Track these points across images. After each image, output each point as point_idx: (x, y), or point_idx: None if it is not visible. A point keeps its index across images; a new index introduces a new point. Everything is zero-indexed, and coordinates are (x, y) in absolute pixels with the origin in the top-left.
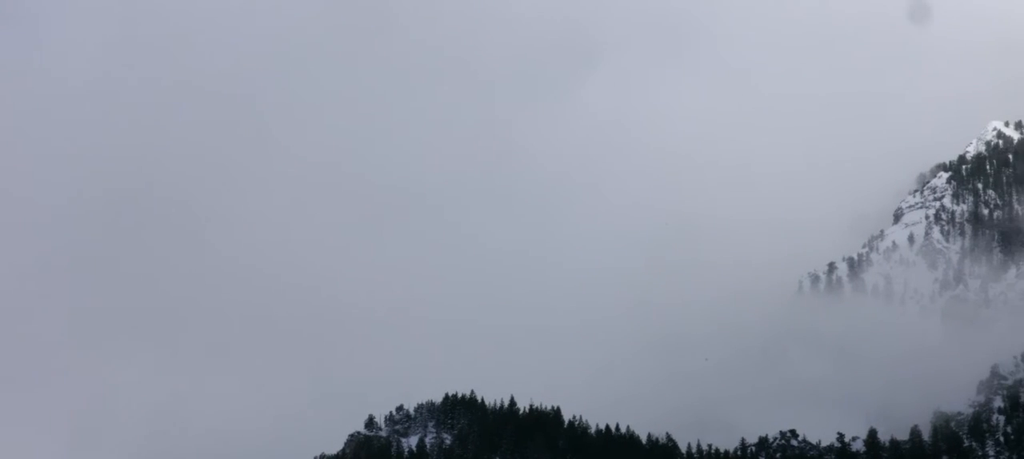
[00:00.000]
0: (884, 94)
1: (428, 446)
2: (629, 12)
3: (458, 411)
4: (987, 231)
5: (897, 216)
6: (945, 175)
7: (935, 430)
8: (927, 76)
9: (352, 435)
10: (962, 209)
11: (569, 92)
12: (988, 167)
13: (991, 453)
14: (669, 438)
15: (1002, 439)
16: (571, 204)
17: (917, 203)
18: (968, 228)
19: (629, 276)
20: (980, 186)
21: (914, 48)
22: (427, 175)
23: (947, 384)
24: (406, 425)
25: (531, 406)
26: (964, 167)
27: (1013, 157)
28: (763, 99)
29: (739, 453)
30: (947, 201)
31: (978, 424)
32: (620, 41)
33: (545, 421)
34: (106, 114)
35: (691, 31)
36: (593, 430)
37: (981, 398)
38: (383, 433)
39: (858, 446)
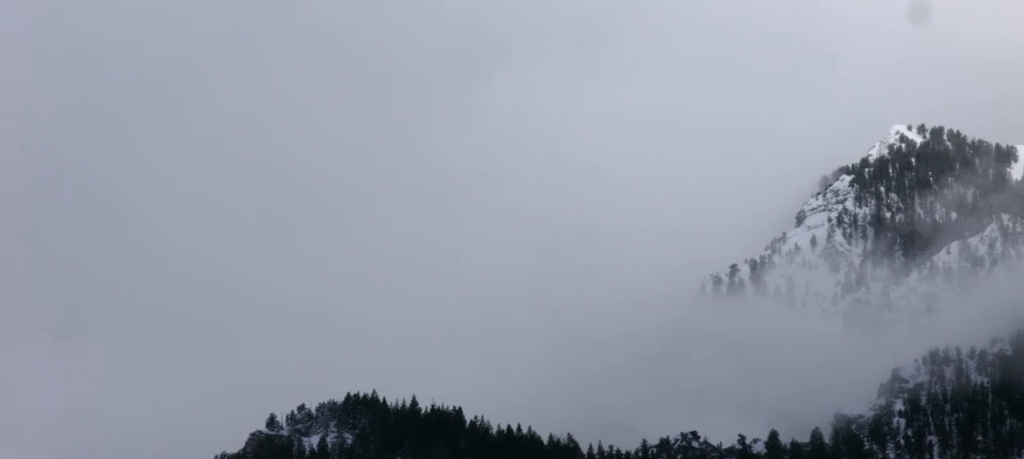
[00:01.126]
0: (788, 97)
1: (329, 446)
2: (538, 12)
3: (360, 411)
4: (889, 234)
5: (800, 219)
6: (848, 178)
7: (836, 432)
8: (831, 79)
9: (253, 434)
10: (864, 212)
11: (476, 90)
12: (891, 170)
13: (892, 456)
14: (570, 439)
15: (902, 442)
16: (475, 203)
17: (819, 206)
18: (870, 231)
19: (532, 277)
20: (882, 189)
21: (818, 52)
22: (333, 171)
23: (848, 387)
24: (308, 424)
25: (433, 406)
26: (867, 170)
27: (916, 160)
28: (669, 101)
29: (640, 454)
30: (849, 204)
31: (879, 427)
32: (528, 41)
33: (447, 421)
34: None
35: (599, 33)
36: (494, 431)
37: (882, 401)
38: (284, 432)
39: (759, 448)
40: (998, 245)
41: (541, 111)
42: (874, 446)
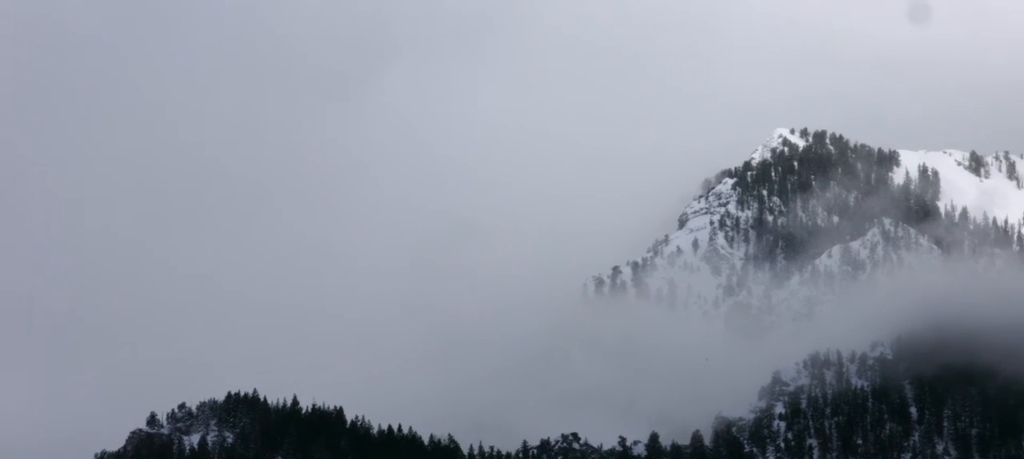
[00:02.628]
0: (671, 100)
1: (210, 445)
2: (430, 10)
3: (240, 410)
4: (771, 237)
5: (682, 221)
6: (730, 181)
7: (716, 435)
8: (714, 83)
9: (134, 432)
10: (747, 215)
11: (366, 88)
12: (773, 174)
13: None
14: (451, 440)
15: (783, 445)
16: (360, 202)
17: (701, 209)
18: (752, 234)
19: (414, 277)
20: (764, 192)
21: (705, 55)
22: (220, 170)
23: (729, 390)
24: (188, 423)
25: (313, 406)
26: (749, 173)
27: (798, 164)
28: (553, 102)
29: (521, 455)
30: (731, 207)
31: (759, 430)
32: (419, 39)
33: (327, 421)
34: None
35: (488, 33)
36: (375, 431)
37: (762, 404)
38: (165, 431)
39: (640, 450)
40: (879, 249)
41: (429, 110)
42: (754, 449)
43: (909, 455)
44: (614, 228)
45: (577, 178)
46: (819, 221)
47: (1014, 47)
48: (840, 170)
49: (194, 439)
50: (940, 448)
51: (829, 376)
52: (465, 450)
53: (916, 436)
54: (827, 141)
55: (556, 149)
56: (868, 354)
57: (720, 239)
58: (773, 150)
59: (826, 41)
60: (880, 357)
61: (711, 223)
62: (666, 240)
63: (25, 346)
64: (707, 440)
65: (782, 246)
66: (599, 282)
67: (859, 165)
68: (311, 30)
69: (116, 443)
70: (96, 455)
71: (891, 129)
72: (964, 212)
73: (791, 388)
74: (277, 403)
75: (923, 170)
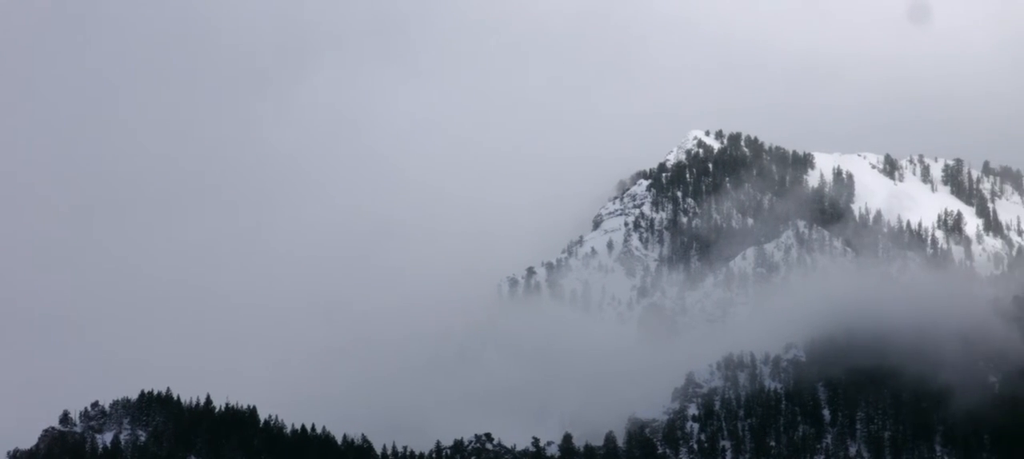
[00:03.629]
0: (587, 101)
1: (123, 443)
2: (356, 10)
3: (154, 408)
4: (685, 239)
5: (597, 222)
6: (645, 182)
7: (630, 436)
8: (632, 85)
9: (46, 430)
10: (661, 217)
11: (287, 88)
12: (688, 175)
13: None
14: (365, 440)
15: (696, 447)
16: (275, 202)
17: (617, 210)
18: (667, 236)
19: (329, 276)
20: (679, 194)
21: (621, 57)
22: (140, 167)
23: (643, 391)
24: (101, 421)
25: (227, 405)
26: (664, 175)
27: (713, 166)
28: (471, 102)
29: (434, 455)
30: (646, 208)
31: (672, 431)
32: (344, 39)
33: (241, 420)
34: None
35: (410, 33)
36: (288, 430)
37: (676, 405)
38: (78, 429)
39: (553, 451)
40: (793, 251)
41: (348, 110)
42: (667, 450)
43: (822, 457)
44: (529, 229)
45: (493, 178)
46: (733, 223)
47: (928, 51)
48: (754, 172)
49: (107, 437)
50: (853, 450)
51: (742, 378)
52: (378, 450)
53: (829, 438)
54: (742, 143)
55: (472, 149)
56: (782, 356)
57: (634, 240)
58: (688, 152)
59: (743, 44)
60: (793, 359)
61: (626, 224)
62: (581, 241)
63: None
64: (620, 441)
65: (696, 248)
66: (513, 283)
67: (773, 167)
68: (235, 28)
69: (29, 441)
70: (8, 453)
71: (806, 132)
72: (878, 215)
73: (704, 390)
74: (190, 402)
75: (837, 173)
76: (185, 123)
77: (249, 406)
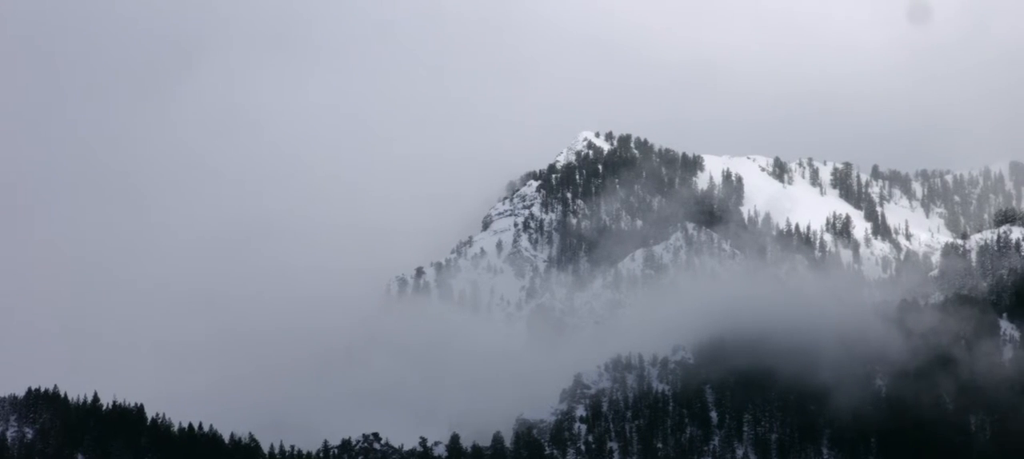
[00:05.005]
0: (479, 101)
1: (9, 440)
2: (239, 10)
3: (41, 406)
4: (574, 240)
5: (486, 223)
6: (535, 184)
7: (517, 437)
8: (524, 85)
9: None
10: (551, 218)
11: (173, 87)
12: (577, 177)
13: None
14: (252, 438)
15: (583, 448)
16: (164, 200)
17: (506, 211)
18: (556, 237)
19: (215, 276)
20: (569, 195)
21: (513, 59)
22: (18, 167)
23: (531, 392)
24: None
25: (114, 403)
26: (554, 176)
27: (603, 167)
28: (361, 101)
29: (322, 455)
30: (536, 210)
31: (560, 432)
32: (228, 38)
33: (128, 418)
34: None
35: (298, 32)
36: (176, 428)
37: (564, 406)
38: None
39: (440, 451)
40: (682, 253)
41: (239, 106)
42: (555, 451)
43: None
44: (418, 229)
45: (383, 179)
46: (622, 225)
47: (817, 56)
48: (643, 174)
49: None
50: (739, 452)
51: (630, 379)
52: (265, 449)
53: (716, 440)
54: (631, 145)
55: (362, 150)
56: (669, 358)
57: (524, 241)
58: (578, 153)
59: (634, 47)
60: (681, 361)
61: (515, 225)
62: (470, 242)
63: None
64: (508, 442)
65: (585, 249)
66: (403, 282)
67: (663, 169)
68: (126, 23)
69: None
70: None
71: (696, 134)
72: (766, 217)
73: (592, 391)
74: (78, 400)
75: (726, 175)
76: (70, 120)
77: (136, 404)
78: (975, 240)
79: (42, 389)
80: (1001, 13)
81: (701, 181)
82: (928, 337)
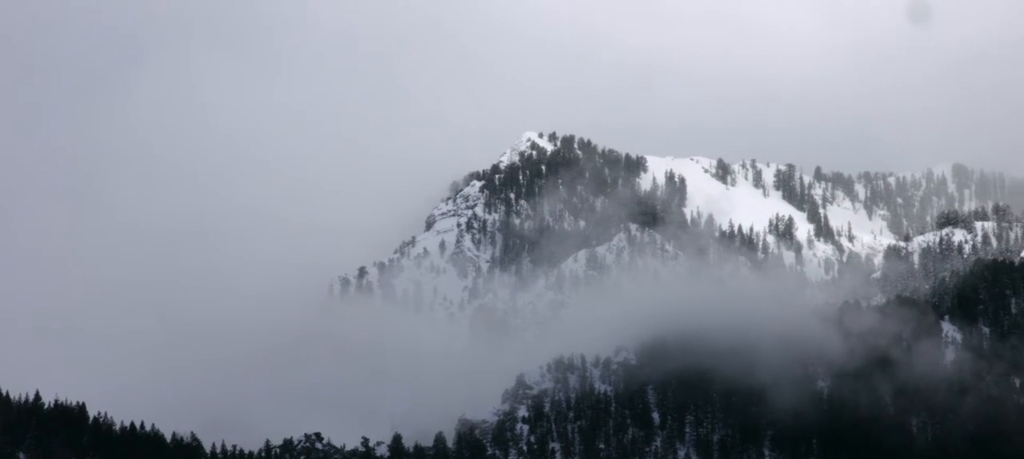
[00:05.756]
0: (422, 100)
1: None
2: (184, 8)
3: None
4: (518, 241)
5: (429, 223)
6: (478, 184)
7: (459, 437)
8: (468, 85)
9: None
10: (494, 218)
11: (114, 87)
12: (521, 177)
13: None
14: (194, 437)
15: (525, 448)
16: (104, 202)
17: (449, 211)
18: (499, 237)
19: (158, 274)
20: (512, 196)
21: (457, 59)
22: None
23: (473, 392)
24: None
25: (56, 402)
26: (497, 176)
27: (546, 168)
28: (304, 101)
29: (263, 454)
30: (479, 210)
31: (502, 432)
32: (183, 34)
33: (70, 417)
34: None
35: (241, 32)
36: (117, 427)
37: (506, 407)
38: None
39: (382, 451)
40: (625, 254)
41: (185, 104)
42: (497, 452)
43: None
44: (361, 229)
45: (326, 178)
46: (565, 225)
47: (761, 58)
48: (587, 175)
49: None
50: (681, 453)
51: (573, 380)
52: (207, 448)
53: (658, 441)
54: (575, 146)
55: (306, 148)
56: (612, 359)
57: (467, 241)
58: (521, 154)
59: (578, 48)
60: (624, 362)
61: (458, 225)
62: (413, 242)
63: None
64: (450, 442)
65: (528, 250)
66: (345, 282)
67: (606, 170)
68: (79, 23)
69: None
70: None
71: (639, 135)
72: (709, 219)
73: (535, 391)
74: (19, 398)
75: (669, 176)
76: (12, 126)
77: (78, 403)
78: (918, 242)
79: None
80: (944, 16)
81: (644, 182)
82: (868, 338)
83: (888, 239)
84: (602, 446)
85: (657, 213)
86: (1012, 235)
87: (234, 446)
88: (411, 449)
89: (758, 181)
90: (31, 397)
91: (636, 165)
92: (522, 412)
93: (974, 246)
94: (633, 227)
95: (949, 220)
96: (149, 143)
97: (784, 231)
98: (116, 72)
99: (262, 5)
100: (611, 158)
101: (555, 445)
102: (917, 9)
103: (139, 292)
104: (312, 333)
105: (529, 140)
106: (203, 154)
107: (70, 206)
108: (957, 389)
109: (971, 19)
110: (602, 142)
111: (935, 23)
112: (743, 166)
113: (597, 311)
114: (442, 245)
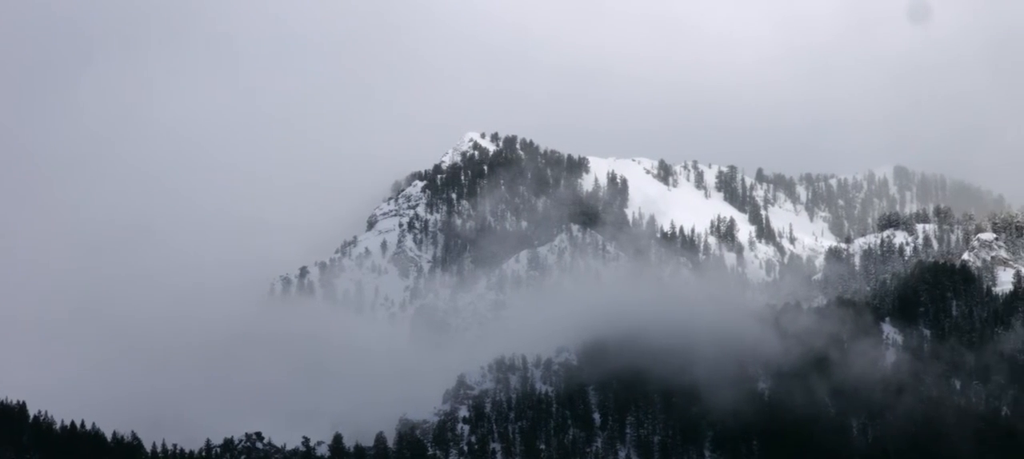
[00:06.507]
0: (364, 100)
1: None
2: (124, 11)
3: None
4: (459, 241)
5: (371, 223)
6: (420, 184)
7: (400, 437)
8: (410, 85)
9: None
10: (435, 218)
11: (55, 88)
12: (463, 177)
13: None
14: (134, 436)
15: (466, 448)
16: (44, 201)
17: (391, 211)
18: (440, 237)
19: (100, 272)
20: (454, 196)
21: (399, 59)
22: None
23: (414, 392)
24: None
25: None
26: (439, 177)
27: (488, 168)
28: (247, 102)
29: (204, 454)
30: (421, 210)
31: (443, 433)
32: (114, 38)
33: (10, 416)
34: None
35: (183, 31)
36: (58, 426)
37: (447, 407)
38: None
39: (323, 451)
40: (567, 255)
41: (125, 104)
42: (438, 452)
43: None
44: (303, 229)
45: (268, 178)
46: (507, 226)
47: (703, 59)
48: (529, 175)
49: None
50: (622, 454)
51: (514, 380)
52: (148, 448)
53: (599, 442)
54: (517, 146)
55: (249, 146)
56: (553, 360)
57: (408, 241)
58: (463, 154)
59: (521, 48)
60: (565, 363)
61: (400, 225)
62: (355, 241)
63: None
64: (391, 442)
65: (470, 250)
66: (286, 282)
67: (549, 171)
68: (19, 21)
69: None
70: None
71: (582, 136)
72: (651, 220)
73: (475, 392)
74: None
75: (611, 177)
76: None
77: (18, 402)
78: (859, 244)
79: None
80: (884, 17)
81: (586, 183)
82: (806, 339)
83: (829, 241)
84: (543, 447)
85: (598, 214)
86: (953, 238)
87: (174, 445)
88: (351, 449)
89: (700, 182)
90: None
91: (578, 166)
92: (463, 412)
93: (915, 248)
94: (574, 228)
95: (890, 222)
96: (93, 139)
97: (725, 232)
98: (63, 68)
99: (208, 3)
100: (553, 159)
101: (496, 445)
102: (917, 9)
103: (80, 288)
104: (253, 332)
105: (471, 140)
106: (146, 151)
107: (13, 201)
108: (896, 389)
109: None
110: (544, 143)
111: (876, 26)
112: (685, 167)
113: (538, 312)
114: (384, 245)
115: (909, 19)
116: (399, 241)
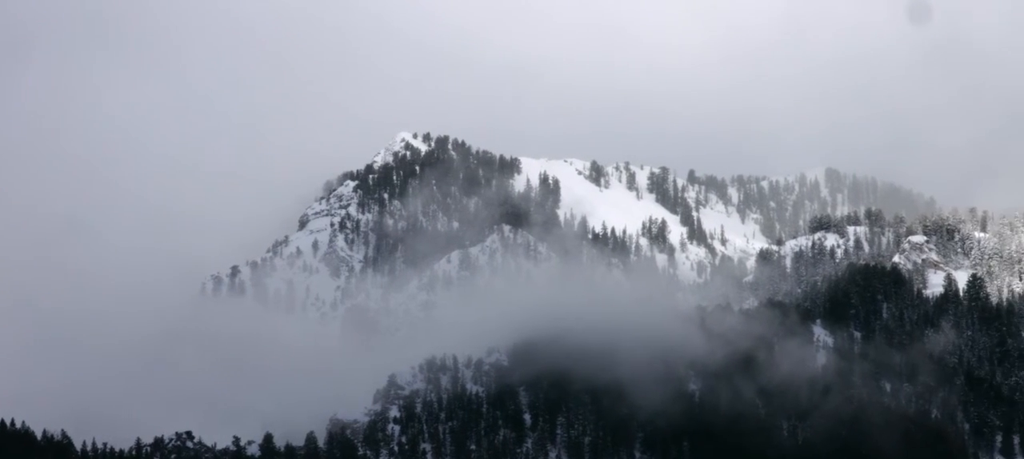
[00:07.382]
0: (296, 99)
1: None
2: (64, 7)
3: None
4: (391, 241)
5: (303, 222)
6: (352, 184)
7: (331, 437)
8: (342, 84)
9: None
10: (367, 218)
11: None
12: (395, 177)
13: None
14: (65, 436)
15: (396, 449)
16: None
17: (323, 210)
18: (372, 237)
19: (28, 270)
20: (386, 196)
21: (331, 58)
22: None
23: (345, 392)
24: None
25: None
26: (371, 177)
27: (420, 168)
28: (180, 100)
29: (135, 453)
30: (352, 210)
31: (373, 433)
32: (52, 36)
33: None
34: None
35: (117, 29)
36: None
37: (378, 407)
38: None
39: (253, 450)
40: (498, 256)
41: (58, 103)
42: (368, 452)
43: None
44: (234, 228)
45: (199, 176)
46: (438, 226)
47: (635, 60)
48: (461, 175)
49: None
50: (553, 455)
51: (445, 381)
52: (78, 446)
53: (529, 443)
54: (449, 146)
55: (181, 144)
56: (484, 360)
57: (340, 241)
58: (395, 154)
59: (452, 48)
60: (496, 363)
61: (331, 225)
62: (286, 241)
63: None
64: (321, 442)
65: (401, 250)
66: (217, 281)
67: (481, 171)
68: None
69: None
70: None
71: (514, 137)
72: (583, 221)
73: (406, 392)
74: None
75: (543, 178)
76: None
77: None
78: (790, 246)
79: None
80: (817, 20)
81: (518, 183)
82: (734, 341)
83: (760, 243)
84: (473, 447)
85: (530, 214)
86: (884, 240)
87: (104, 444)
88: (282, 449)
89: (631, 183)
90: None
91: (510, 166)
92: (394, 412)
93: (846, 250)
94: (506, 228)
95: (821, 224)
96: (26, 132)
97: (657, 234)
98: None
99: (130, 6)
100: (485, 159)
101: (426, 446)
102: (917, 9)
103: (9, 287)
104: (184, 331)
105: (403, 140)
106: (78, 145)
107: None
108: (823, 390)
109: (844, 24)
110: (476, 143)
111: (809, 28)
112: (617, 168)
113: (469, 312)
114: (315, 245)
115: (909, 19)
116: (330, 241)
